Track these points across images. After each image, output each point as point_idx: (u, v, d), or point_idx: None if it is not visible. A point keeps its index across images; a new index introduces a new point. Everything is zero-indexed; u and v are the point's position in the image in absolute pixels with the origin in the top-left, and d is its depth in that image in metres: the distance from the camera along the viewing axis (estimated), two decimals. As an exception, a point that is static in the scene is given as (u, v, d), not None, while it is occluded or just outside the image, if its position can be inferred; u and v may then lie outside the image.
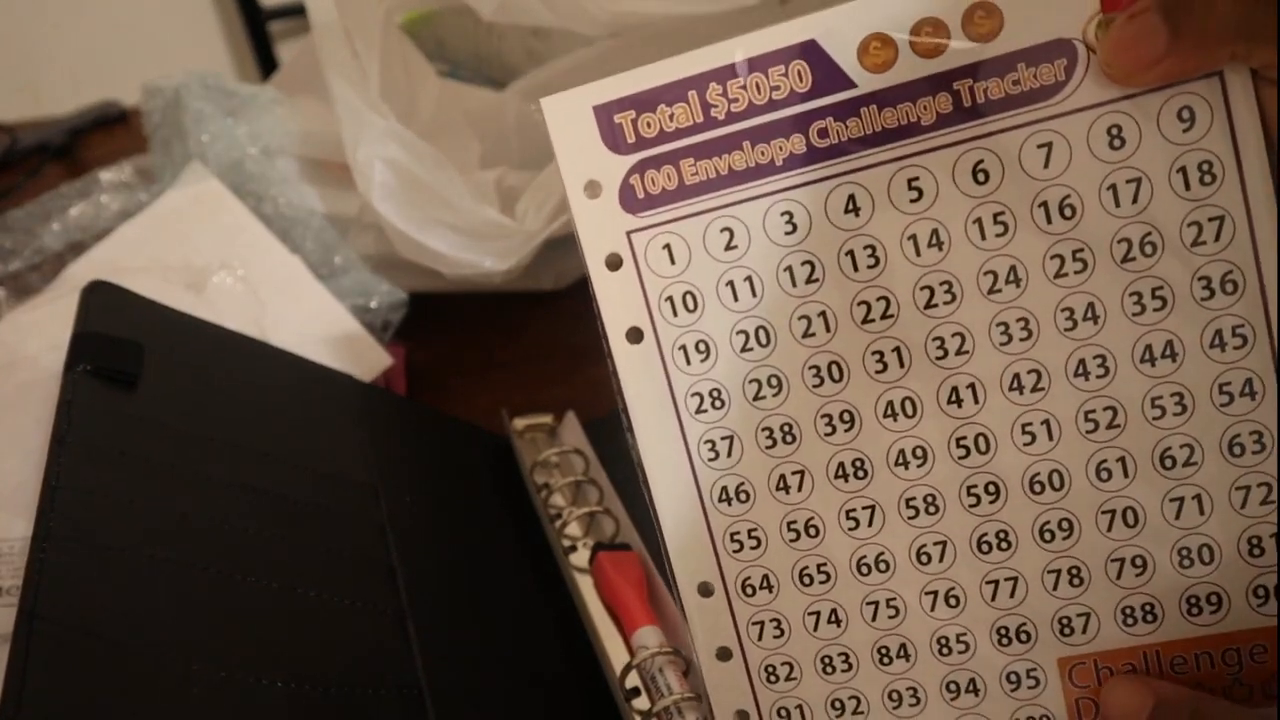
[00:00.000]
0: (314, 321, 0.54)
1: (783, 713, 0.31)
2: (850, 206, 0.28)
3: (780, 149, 0.28)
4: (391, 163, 0.53)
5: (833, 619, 0.30)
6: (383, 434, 0.47)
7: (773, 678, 0.31)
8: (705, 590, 0.31)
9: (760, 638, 0.31)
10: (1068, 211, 0.27)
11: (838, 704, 0.31)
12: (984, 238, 0.28)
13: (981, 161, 0.27)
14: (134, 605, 0.32)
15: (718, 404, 0.30)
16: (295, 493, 0.40)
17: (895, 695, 0.31)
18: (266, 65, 1.44)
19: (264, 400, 0.44)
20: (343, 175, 0.56)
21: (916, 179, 0.28)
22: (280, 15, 1.43)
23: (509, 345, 0.62)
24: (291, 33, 1.44)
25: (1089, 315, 0.28)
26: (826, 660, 0.31)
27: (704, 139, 0.28)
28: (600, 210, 0.29)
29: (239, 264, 0.54)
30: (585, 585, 0.43)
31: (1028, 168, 0.27)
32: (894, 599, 0.30)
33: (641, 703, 0.38)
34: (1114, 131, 0.27)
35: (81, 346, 0.40)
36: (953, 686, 0.30)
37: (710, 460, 0.30)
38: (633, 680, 0.39)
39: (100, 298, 0.43)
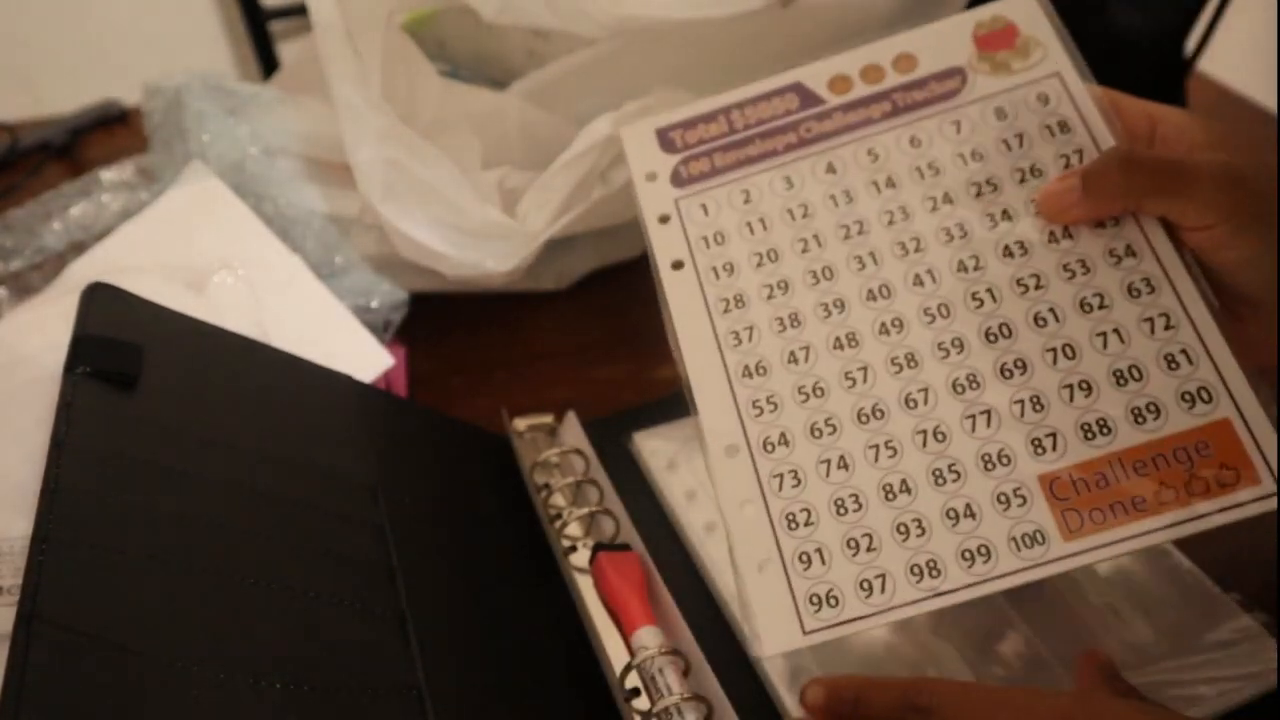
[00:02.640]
0: (314, 321, 0.54)
1: (804, 558, 0.35)
2: (828, 169, 0.41)
3: (779, 142, 0.42)
4: (393, 163, 0.53)
5: (841, 464, 0.36)
6: (382, 434, 0.47)
7: (793, 524, 0.35)
8: (732, 451, 0.37)
9: (780, 488, 0.36)
10: (959, 163, 0.40)
11: (852, 543, 0.35)
12: (922, 179, 0.40)
13: (915, 135, 0.41)
14: (134, 605, 0.32)
15: (740, 305, 0.39)
16: (295, 493, 0.40)
17: (903, 528, 0.35)
18: (268, 65, 1.43)
19: (264, 400, 0.44)
20: (344, 175, 0.56)
21: (873, 149, 0.41)
22: (281, 15, 1.43)
23: (509, 345, 0.62)
24: (293, 32, 1.44)
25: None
26: (839, 503, 0.35)
27: (729, 140, 0.43)
28: (657, 188, 0.43)
29: (239, 264, 0.54)
30: (585, 585, 0.43)
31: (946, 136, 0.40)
32: (891, 441, 0.36)
33: (641, 703, 0.38)
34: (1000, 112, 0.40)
35: (81, 349, 0.40)
36: (952, 514, 0.34)
37: (734, 346, 0.39)
38: (633, 680, 0.39)
39: (100, 300, 0.43)
